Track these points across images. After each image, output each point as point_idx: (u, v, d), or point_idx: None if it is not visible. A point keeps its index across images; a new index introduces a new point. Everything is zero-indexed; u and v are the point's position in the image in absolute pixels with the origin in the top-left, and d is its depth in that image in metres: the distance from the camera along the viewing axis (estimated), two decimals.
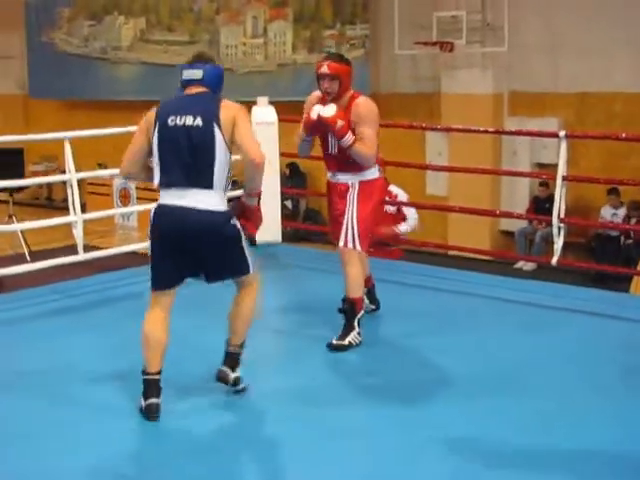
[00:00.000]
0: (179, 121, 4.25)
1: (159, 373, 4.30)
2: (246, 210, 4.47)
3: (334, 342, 5.32)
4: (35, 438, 4.10)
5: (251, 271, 4.44)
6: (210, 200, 4.24)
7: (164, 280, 4.34)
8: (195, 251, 4.27)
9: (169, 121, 4.28)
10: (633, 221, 11.09)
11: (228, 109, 4.30)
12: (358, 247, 5.37)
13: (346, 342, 5.32)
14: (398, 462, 3.85)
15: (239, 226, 4.36)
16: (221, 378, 4.54)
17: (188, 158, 4.23)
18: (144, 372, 4.31)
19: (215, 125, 4.23)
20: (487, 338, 5.53)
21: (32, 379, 4.83)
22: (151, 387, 4.28)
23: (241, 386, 4.56)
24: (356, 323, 5.38)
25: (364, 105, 5.32)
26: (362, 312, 5.44)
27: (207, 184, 4.23)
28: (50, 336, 5.47)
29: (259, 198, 4.49)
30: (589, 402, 4.50)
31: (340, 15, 13.90)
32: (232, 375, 4.52)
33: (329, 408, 4.46)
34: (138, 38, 16.50)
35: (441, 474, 3.77)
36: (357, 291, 5.42)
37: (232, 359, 4.53)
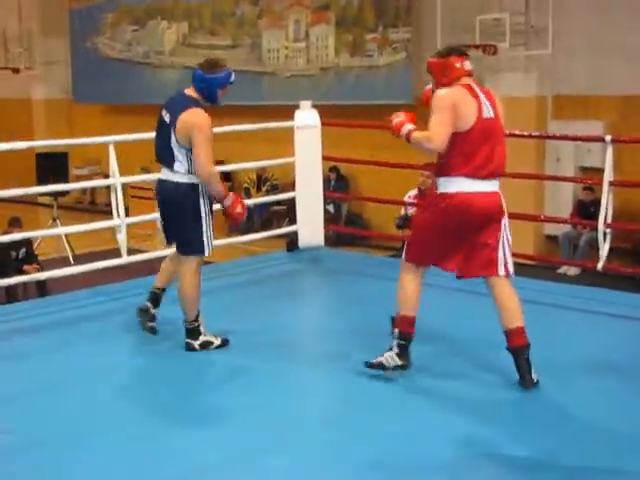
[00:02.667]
0: (164, 115, 5.15)
1: (158, 289, 5.45)
2: (224, 210, 5.31)
3: (371, 361, 4.81)
4: (85, 438, 4.14)
5: (206, 253, 5.14)
6: (175, 176, 5.11)
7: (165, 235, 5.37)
8: (166, 213, 5.22)
9: (162, 113, 5.18)
10: None
11: (190, 117, 5.02)
12: (403, 255, 4.87)
13: (375, 361, 4.80)
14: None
15: (202, 202, 5.10)
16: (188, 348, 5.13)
17: (160, 144, 5.18)
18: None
19: (172, 127, 5.07)
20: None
21: (75, 381, 4.84)
22: (151, 296, 5.44)
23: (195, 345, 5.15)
24: (394, 343, 4.79)
25: (434, 97, 4.74)
26: (397, 331, 4.78)
27: (171, 167, 5.12)
28: (94, 338, 5.50)
29: (228, 197, 5.25)
30: None
31: (382, 18, 13.87)
32: (196, 343, 5.11)
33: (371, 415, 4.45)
34: (180, 42, 16.61)
35: None
36: (399, 306, 4.82)
37: (189, 332, 5.15)
